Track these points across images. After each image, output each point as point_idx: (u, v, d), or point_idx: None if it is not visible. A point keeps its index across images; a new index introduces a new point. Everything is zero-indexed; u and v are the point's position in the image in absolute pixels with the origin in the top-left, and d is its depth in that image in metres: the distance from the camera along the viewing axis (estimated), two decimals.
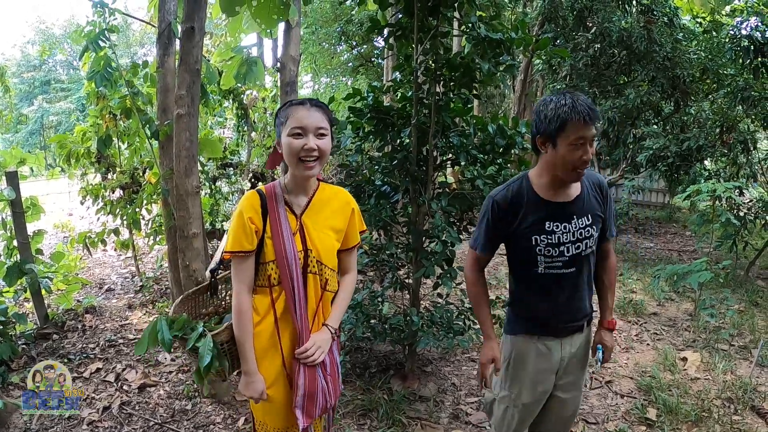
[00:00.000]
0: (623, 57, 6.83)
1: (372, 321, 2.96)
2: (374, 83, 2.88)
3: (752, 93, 5.98)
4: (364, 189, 2.88)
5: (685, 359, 3.52)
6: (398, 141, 2.82)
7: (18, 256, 3.47)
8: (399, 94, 2.84)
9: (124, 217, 4.53)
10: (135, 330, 3.84)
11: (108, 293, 4.77)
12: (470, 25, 2.44)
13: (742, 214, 5.50)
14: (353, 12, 13.27)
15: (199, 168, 3.81)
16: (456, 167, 2.90)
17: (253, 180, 5.41)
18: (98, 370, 3.22)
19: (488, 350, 1.74)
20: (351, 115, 2.79)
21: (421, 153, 2.75)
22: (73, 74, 31.52)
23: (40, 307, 3.69)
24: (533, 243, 1.60)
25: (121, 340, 3.64)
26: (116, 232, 4.56)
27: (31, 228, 3.64)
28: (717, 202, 5.09)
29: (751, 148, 6.84)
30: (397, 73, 2.85)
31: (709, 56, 6.89)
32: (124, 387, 3.02)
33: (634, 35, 6.50)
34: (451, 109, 2.68)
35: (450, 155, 2.82)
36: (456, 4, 2.51)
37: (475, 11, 2.53)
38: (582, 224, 1.60)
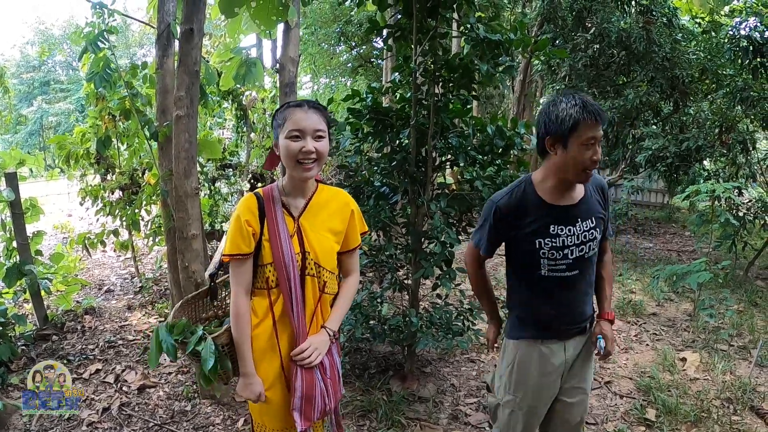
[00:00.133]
0: (622, 57, 6.84)
1: (371, 322, 2.96)
2: (373, 84, 2.88)
3: (751, 93, 5.99)
4: (363, 190, 2.88)
5: (684, 359, 3.52)
6: (397, 142, 2.82)
7: (17, 257, 3.47)
8: (398, 95, 2.84)
9: (124, 218, 4.53)
10: (134, 331, 3.84)
11: (107, 294, 4.77)
12: (469, 26, 2.44)
13: (741, 214, 5.50)
14: (352, 13, 13.28)
15: (199, 169, 3.80)
16: (455, 168, 2.91)
17: (252, 181, 5.41)
18: (98, 371, 3.22)
19: (488, 331, 1.94)
20: (350, 116, 2.79)
21: (420, 154, 2.75)
22: (72, 75, 31.50)
23: (39, 308, 3.70)
24: (537, 246, 1.59)
25: (120, 341, 3.64)
26: (116, 233, 4.56)
27: (30, 229, 3.65)
28: (716, 202, 5.10)
29: (750, 149, 6.85)
30: (397, 73, 2.85)
31: (708, 56, 6.90)
32: (124, 388, 3.02)
33: (633, 36, 6.52)
34: (450, 110, 2.69)
35: (449, 156, 2.83)
36: (455, 5, 2.52)
37: (474, 12, 2.53)
38: (586, 227, 1.60)
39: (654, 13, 6.80)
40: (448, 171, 3.16)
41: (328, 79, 18.66)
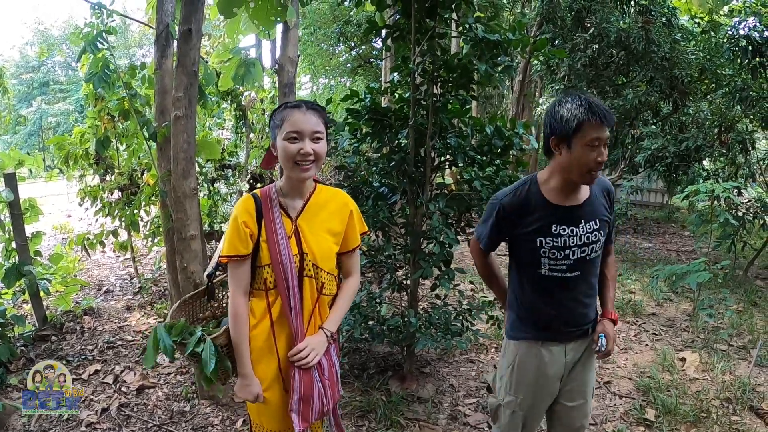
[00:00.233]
0: (621, 57, 6.84)
1: (370, 322, 2.96)
2: (372, 84, 2.88)
3: (750, 93, 6.00)
4: (361, 190, 2.88)
5: (683, 359, 3.52)
6: (396, 142, 2.81)
7: (16, 257, 3.47)
8: (397, 96, 2.84)
9: (123, 219, 4.53)
10: (133, 332, 3.84)
11: (106, 295, 4.77)
12: (467, 26, 2.44)
13: (740, 214, 5.50)
14: (352, 13, 13.27)
15: (198, 169, 3.81)
16: (454, 168, 2.90)
17: (251, 181, 5.42)
18: (97, 371, 3.22)
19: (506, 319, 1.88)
20: (348, 117, 2.79)
21: (419, 154, 2.75)
22: (71, 75, 31.46)
23: (38, 308, 3.69)
24: (538, 245, 1.59)
25: (119, 342, 3.64)
26: (115, 233, 4.55)
27: (29, 230, 3.64)
28: (715, 202, 5.10)
29: (750, 148, 6.84)
30: (396, 74, 2.85)
31: (708, 56, 6.90)
32: (123, 389, 3.01)
33: (632, 36, 6.52)
34: (448, 110, 2.68)
35: (447, 156, 2.82)
36: (453, 6, 2.51)
37: (473, 12, 2.53)
38: (590, 228, 1.60)
39: (653, 13, 6.81)
40: (447, 171, 3.16)
41: (328, 79, 18.65)
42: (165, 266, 3.64)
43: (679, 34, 6.98)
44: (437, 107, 2.61)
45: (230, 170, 5.74)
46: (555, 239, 1.58)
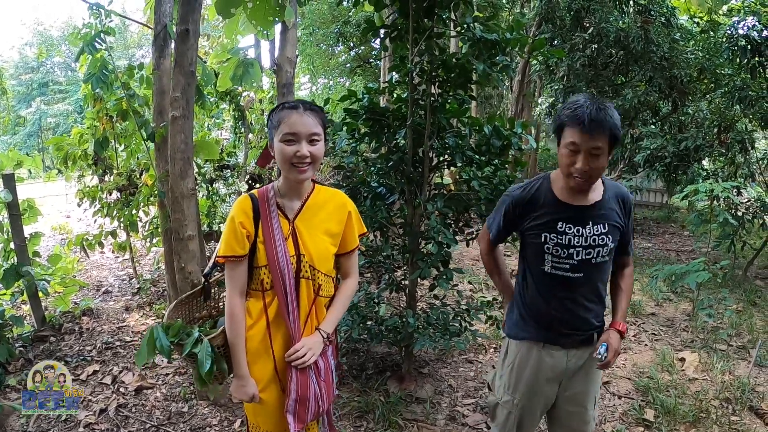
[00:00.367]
0: (620, 57, 6.84)
1: (368, 322, 2.96)
2: (371, 84, 2.87)
3: (749, 92, 6.00)
4: (359, 190, 2.87)
5: (683, 360, 3.51)
6: (394, 142, 2.81)
7: (15, 258, 3.47)
8: (395, 96, 2.83)
9: (121, 219, 4.52)
10: (132, 332, 3.84)
11: (105, 295, 4.76)
12: (465, 25, 2.43)
13: (740, 213, 5.50)
14: (350, 13, 13.26)
15: (196, 170, 3.81)
16: (452, 168, 2.90)
17: (250, 182, 5.41)
18: (95, 372, 3.21)
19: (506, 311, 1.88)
20: (346, 117, 2.78)
21: (417, 154, 2.74)
22: (71, 76, 31.41)
23: (37, 309, 3.69)
24: (542, 240, 1.60)
25: (118, 343, 3.63)
26: (113, 234, 4.55)
27: (28, 230, 3.64)
28: (715, 201, 5.09)
29: (749, 148, 6.85)
30: (394, 73, 2.84)
31: (707, 56, 6.90)
32: (121, 389, 3.01)
33: (631, 35, 6.52)
34: (446, 110, 2.68)
35: (446, 156, 2.82)
36: (451, 5, 2.51)
37: (471, 12, 2.52)
38: (597, 231, 1.59)
39: (652, 12, 6.81)
40: (446, 171, 3.15)
41: (327, 79, 18.63)
42: (164, 267, 3.64)
43: (678, 34, 6.98)
44: (435, 107, 2.61)
45: (229, 171, 5.74)
46: (560, 236, 1.58)
